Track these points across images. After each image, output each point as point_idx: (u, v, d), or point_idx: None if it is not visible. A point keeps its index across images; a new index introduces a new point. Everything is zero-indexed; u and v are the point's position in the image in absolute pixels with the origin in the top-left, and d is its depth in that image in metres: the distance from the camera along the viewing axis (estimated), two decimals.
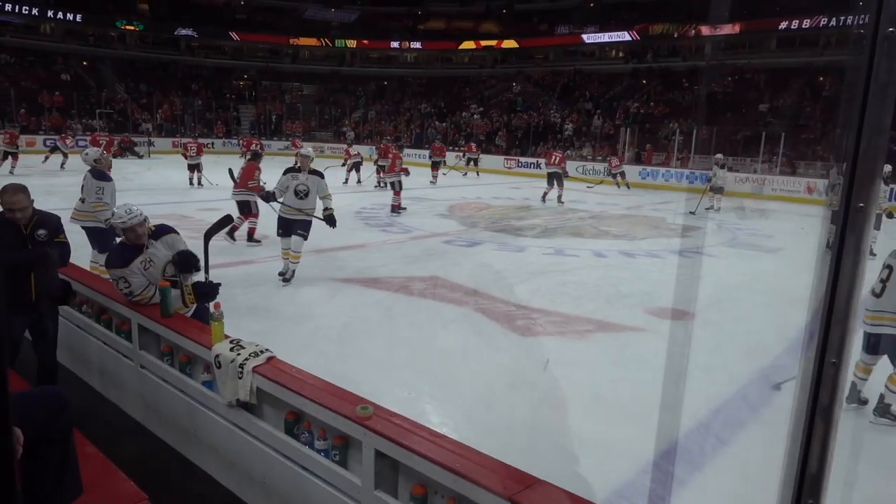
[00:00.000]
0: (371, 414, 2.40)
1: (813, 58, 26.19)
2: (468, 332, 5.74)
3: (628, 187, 20.09)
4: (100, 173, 6.30)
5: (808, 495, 1.05)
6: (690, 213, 14.92)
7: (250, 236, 9.19)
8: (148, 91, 32.42)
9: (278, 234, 7.05)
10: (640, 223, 13.07)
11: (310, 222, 6.97)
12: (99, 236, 6.19)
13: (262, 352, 2.94)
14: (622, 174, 20.48)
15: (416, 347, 5.37)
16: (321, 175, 7.06)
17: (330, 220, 7.02)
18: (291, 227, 6.89)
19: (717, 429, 4.05)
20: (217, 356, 2.97)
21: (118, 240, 4.06)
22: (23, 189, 3.37)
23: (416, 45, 39.12)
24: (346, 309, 6.33)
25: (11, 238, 3.32)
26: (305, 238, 6.95)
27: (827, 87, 24.20)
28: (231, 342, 3.05)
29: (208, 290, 3.89)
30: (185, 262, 3.83)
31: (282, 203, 6.96)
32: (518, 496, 1.92)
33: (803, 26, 26.67)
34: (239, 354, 2.90)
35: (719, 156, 15.81)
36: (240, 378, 2.84)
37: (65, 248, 3.58)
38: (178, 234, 4.00)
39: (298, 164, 7.05)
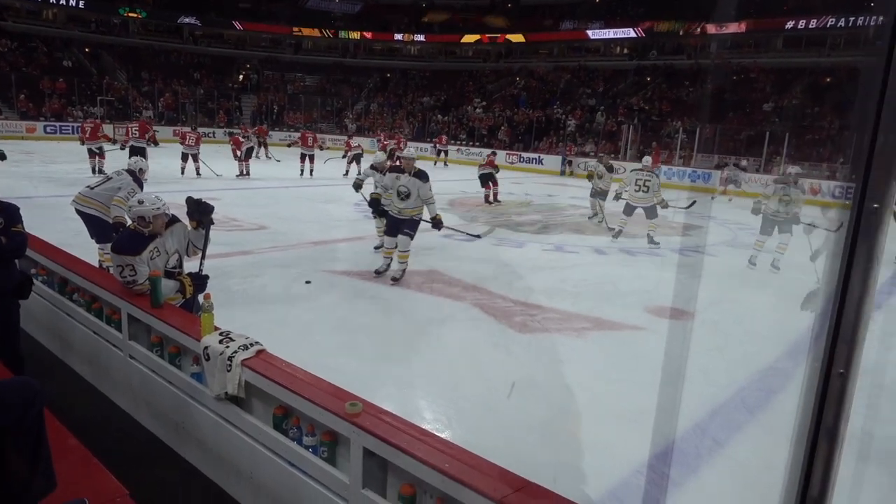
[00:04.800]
0: (360, 411, 2.35)
1: (820, 58, 26.03)
2: (465, 327, 5.69)
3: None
4: (139, 179, 6.24)
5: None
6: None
7: None
8: (150, 79, 32.27)
9: (384, 234, 7.21)
10: (641, 221, 12.98)
11: (417, 222, 6.97)
12: (100, 226, 6.11)
13: (251, 345, 2.88)
14: None
15: (412, 342, 5.32)
16: (424, 177, 6.93)
17: (436, 224, 7.06)
18: (399, 226, 6.85)
19: (714, 431, 4.00)
20: (206, 348, 2.92)
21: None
22: None
23: (420, 37, 38.93)
24: (343, 302, 6.28)
25: None
26: (412, 237, 6.89)
27: (834, 88, 24.05)
28: (220, 334, 2.99)
29: (202, 281, 3.85)
30: (199, 207, 3.92)
31: (388, 203, 7.09)
32: (507, 499, 1.86)
33: (810, 26, 26.49)
34: (228, 347, 2.85)
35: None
36: (228, 371, 2.79)
37: (20, 238, 3.37)
38: (182, 223, 4.01)
39: (402, 165, 7.03)
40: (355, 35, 39.10)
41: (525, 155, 26.22)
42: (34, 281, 4.36)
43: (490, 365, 4.92)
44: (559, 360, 5.07)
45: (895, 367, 4.71)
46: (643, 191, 9.95)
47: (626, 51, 33.83)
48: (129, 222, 3.88)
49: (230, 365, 2.79)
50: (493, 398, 4.24)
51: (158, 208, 3.73)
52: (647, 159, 10.66)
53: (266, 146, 21.40)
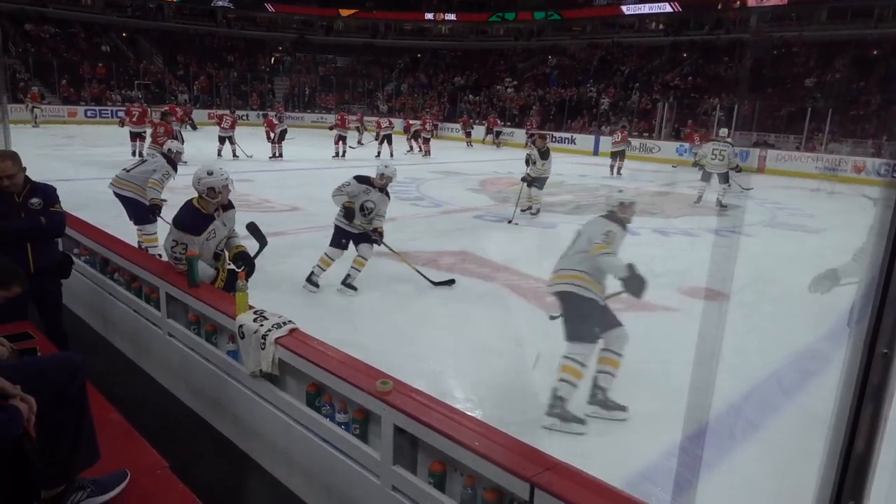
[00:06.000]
0: (391, 389, 2.37)
1: (866, 30, 24.94)
2: (496, 307, 5.68)
3: (619, 171, 16.95)
4: (172, 162, 6.37)
5: (850, 493, 0.98)
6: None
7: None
8: (184, 63, 32.70)
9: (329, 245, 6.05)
10: (675, 200, 12.75)
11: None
12: (137, 208, 6.25)
13: (284, 323, 2.93)
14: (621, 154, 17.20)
15: (444, 322, 5.34)
16: (388, 197, 5.95)
17: (378, 235, 5.95)
18: (354, 238, 5.91)
19: (749, 412, 3.94)
20: (241, 326, 2.97)
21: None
22: (11, 156, 3.28)
23: (451, 16, 38.53)
24: (376, 282, 6.32)
25: (4, 207, 3.24)
26: (376, 244, 6.07)
27: (881, 61, 23.07)
28: (255, 313, 3.04)
29: (235, 277, 3.92)
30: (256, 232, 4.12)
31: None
32: (538, 478, 1.87)
33: None
34: (262, 325, 2.90)
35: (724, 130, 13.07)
36: (262, 349, 2.84)
37: (58, 218, 3.45)
38: (234, 209, 4.15)
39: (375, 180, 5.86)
40: (386, 15, 38.88)
41: (557, 135, 25.85)
42: (76, 260, 4.50)
43: (521, 344, 4.91)
44: None
45: None
46: (719, 159, 11.57)
47: (661, 26, 32.96)
48: (164, 201, 3.99)
49: (264, 343, 2.84)
50: (523, 379, 4.24)
51: (226, 178, 3.90)
52: (724, 131, 12.60)
53: (361, 132, 21.73)
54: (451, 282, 6.24)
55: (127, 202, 6.27)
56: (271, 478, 2.93)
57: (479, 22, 38.67)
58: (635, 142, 22.09)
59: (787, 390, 4.27)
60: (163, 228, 6.37)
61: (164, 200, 6.26)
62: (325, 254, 5.86)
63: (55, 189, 3.50)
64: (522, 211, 9.97)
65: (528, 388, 4.10)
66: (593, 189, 14.06)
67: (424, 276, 6.15)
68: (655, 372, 4.38)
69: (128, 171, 6.30)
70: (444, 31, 40.07)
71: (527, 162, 10.12)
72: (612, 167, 17.13)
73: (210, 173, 3.88)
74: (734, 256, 7.90)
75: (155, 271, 3.86)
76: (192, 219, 3.84)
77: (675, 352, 4.56)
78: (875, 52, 23.78)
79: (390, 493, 2.32)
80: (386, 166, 5.90)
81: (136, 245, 6.02)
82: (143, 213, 6.17)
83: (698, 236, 9.20)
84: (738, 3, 29.29)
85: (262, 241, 4.23)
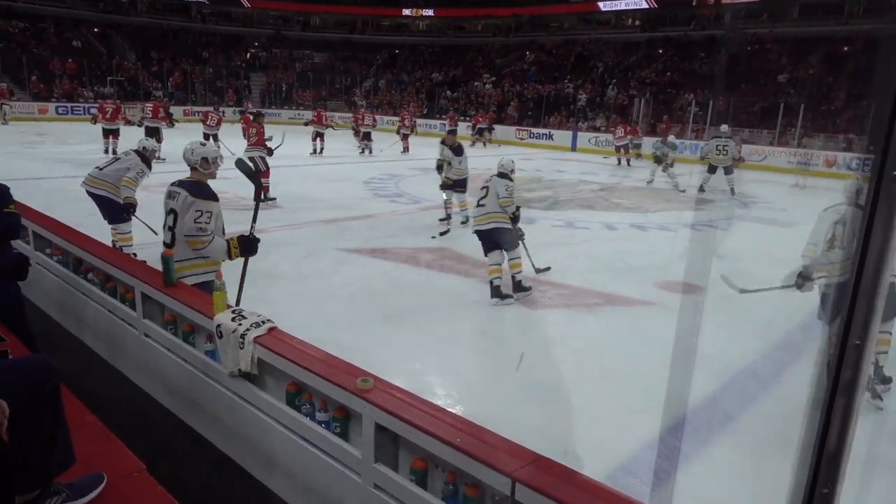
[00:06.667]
0: (372, 387, 2.36)
1: (837, 27, 25.40)
2: (475, 303, 5.69)
3: (628, 163, 18.61)
4: (147, 160, 6.25)
5: (824, 482, 0.99)
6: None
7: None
8: (159, 59, 32.19)
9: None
10: (653, 196, 12.89)
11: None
12: (110, 207, 6.14)
13: (263, 322, 2.90)
14: (637, 146, 19.65)
15: (423, 319, 5.34)
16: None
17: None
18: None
19: (726, 404, 4.00)
20: (218, 326, 2.94)
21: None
22: None
23: (429, 12, 38.44)
24: (354, 279, 6.30)
25: None
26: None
27: (851, 57, 23.50)
28: (233, 312, 3.01)
29: (251, 244, 3.80)
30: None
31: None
32: (519, 473, 1.87)
33: None
34: (240, 325, 2.87)
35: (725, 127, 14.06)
36: (241, 348, 2.81)
37: (11, 220, 3.34)
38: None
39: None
40: (363, 11, 38.65)
41: (535, 130, 25.98)
42: (48, 260, 4.40)
43: (501, 341, 4.93)
44: (570, 335, 5.07)
45: None
46: (723, 154, 12.71)
47: (637, 22, 33.23)
48: (137, 203, 3.89)
49: (243, 342, 2.81)
50: (504, 374, 4.26)
51: (217, 153, 3.89)
52: (724, 127, 13.67)
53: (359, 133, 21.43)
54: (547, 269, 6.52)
55: (100, 201, 6.16)
56: (251, 478, 2.91)
57: (456, 17, 38.62)
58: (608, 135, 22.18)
59: (762, 381, 4.35)
60: (137, 228, 6.30)
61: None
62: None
63: (8, 189, 3.37)
64: (441, 220, 8.85)
65: (510, 383, 4.12)
66: (571, 184, 14.15)
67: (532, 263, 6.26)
68: (634, 365, 4.43)
69: (101, 169, 6.18)
70: (421, 26, 39.97)
71: (439, 168, 8.98)
72: (619, 160, 18.90)
73: (203, 144, 3.94)
74: (710, 250, 8.01)
75: (130, 271, 3.80)
76: (206, 187, 3.77)
77: (654, 345, 4.62)
78: (845, 49, 24.23)
79: (372, 492, 2.31)
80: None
81: (110, 244, 5.92)
82: (116, 211, 6.07)
83: (675, 231, 9.31)
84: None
85: (256, 182, 4.03)
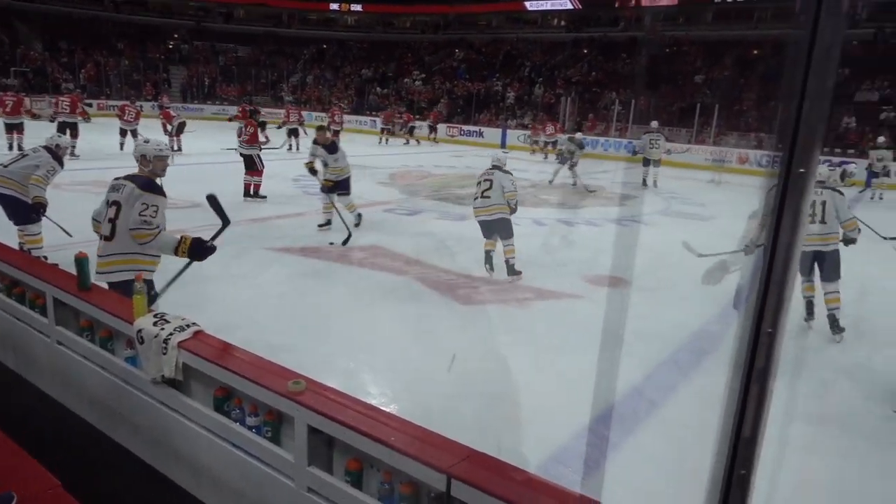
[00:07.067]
0: (303, 389, 2.31)
1: (747, 31, 26.88)
2: (409, 301, 5.69)
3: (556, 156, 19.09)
4: (58, 156, 5.86)
5: (741, 464, 1.05)
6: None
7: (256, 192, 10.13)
8: (69, 49, 30.36)
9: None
10: (579, 192, 13.25)
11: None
12: (17, 207, 5.76)
13: (187, 326, 2.79)
14: (554, 143, 19.48)
15: (355, 318, 5.28)
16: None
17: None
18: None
19: (650, 392, 4.17)
20: (139, 331, 2.80)
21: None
22: None
23: (357, 7, 38.03)
24: (283, 279, 6.17)
25: None
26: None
27: (761, 61, 24.93)
28: (155, 316, 2.88)
29: (204, 251, 3.64)
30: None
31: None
32: (454, 469, 1.88)
33: (738, 0, 27.28)
34: (163, 329, 2.74)
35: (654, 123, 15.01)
36: (164, 354, 2.69)
37: None
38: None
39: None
40: (290, 4, 37.81)
41: (465, 128, 26.19)
42: None
43: (434, 338, 4.95)
44: (502, 330, 5.15)
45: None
46: (655, 147, 13.87)
47: (563, 23, 34.04)
48: (47, 203, 3.75)
49: (166, 347, 2.69)
50: (437, 370, 4.27)
51: (161, 150, 3.80)
52: (655, 123, 14.71)
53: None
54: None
55: (5, 200, 5.76)
56: (178, 488, 2.80)
57: (385, 13, 38.39)
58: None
59: (684, 370, 4.55)
60: (48, 228, 5.93)
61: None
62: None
63: None
64: (320, 227, 8.16)
65: (445, 380, 4.14)
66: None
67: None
68: (564, 357, 4.54)
69: (6, 166, 5.77)
70: (350, 21, 39.49)
71: (311, 171, 8.17)
72: (545, 155, 19.90)
73: (147, 140, 3.90)
74: (634, 244, 8.31)
75: (40, 275, 3.56)
76: (154, 182, 3.69)
77: (582, 337, 4.75)
78: (755, 52, 25.68)
79: (306, 496, 2.27)
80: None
81: (17, 247, 5.55)
82: (24, 212, 5.69)
83: (601, 226, 9.61)
84: (634, 1, 30.74)
85: (224, 218, 3.83)
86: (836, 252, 5.21)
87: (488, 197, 6.37)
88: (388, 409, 2.53)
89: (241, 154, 10.20)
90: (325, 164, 8.05)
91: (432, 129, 24.68)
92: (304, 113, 20.31)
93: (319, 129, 8.57)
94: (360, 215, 8.40)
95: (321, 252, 7.08)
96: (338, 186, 8.08)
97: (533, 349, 4.76)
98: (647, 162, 13.96)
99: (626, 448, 3.45)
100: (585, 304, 5.80)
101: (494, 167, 6.52)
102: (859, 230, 5.30)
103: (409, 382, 4.16)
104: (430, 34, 37.33)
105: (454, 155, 19.99)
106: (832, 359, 4.84)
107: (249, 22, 38.35)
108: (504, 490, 1.80)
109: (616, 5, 31.50)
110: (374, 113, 28.27)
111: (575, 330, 5.10)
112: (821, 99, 0.87)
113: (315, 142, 8.23)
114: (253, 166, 10.10)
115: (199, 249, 3.63)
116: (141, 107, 17.35)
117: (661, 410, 3.94)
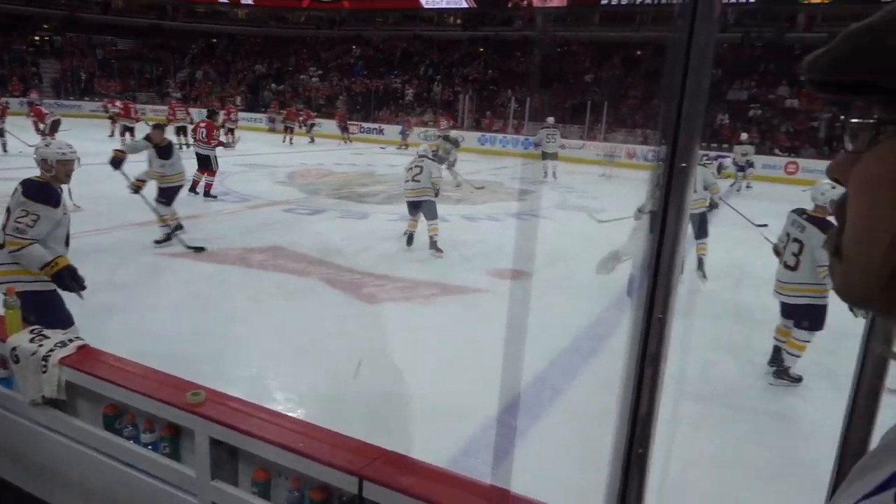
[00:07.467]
0: (203, 400, 2.20)
1: (631, 33, 28.40)
2: (313, 302, 5.57)
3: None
4: None
5: (639, 443, 1.11)
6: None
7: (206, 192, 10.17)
8: None
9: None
10: (466, 189, 13.48)
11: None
12: None
13: (70, 341, 2.58)
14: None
15: (257, 322, 5.11)
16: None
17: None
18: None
19: (553, 380, 4.32)
20: (14, 349, 2.56)
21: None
22: None
23: (248, 0, 36.66)
24: (177, 285, 5.86)
25: None
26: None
27: (644, 61, 26.44)
28: (31, 332, 2.64)
29: (72, 280, 3.39)
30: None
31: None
32: (365, 470, 1.86)
33: (622, 3, 28.75)
34: (41, 346, 2.52)
35: (551, 119, 15.80)
36: (44, 372, 2.48)
37: None
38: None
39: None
40: None
41: (365, 125, 25.96)
42: None
43: (340, 338, 4.88)
44: (409, 327, 5.15)
45: None
46: (553, 142, 15.01)
47: (458, 21, 34.49)
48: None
49: (45, 365, 2.48)
50: (344, 372, 4.21)
51: (64, 154, 3.50)
52: (551, 119, 15.71)
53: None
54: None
55: None
56: None
57: (278, 7, 37.26)
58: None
59: (584, 356, 4.76)
60: None
61: None
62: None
63: None
64: (157, 243, 7.11)
65: (352, 381, 4.09)
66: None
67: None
68: (471, 351, 4.62)
69: None
70: (240, 15, 38.01)
71: (116, 162, 6.85)
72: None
73: (48, 144, 3.62)
74: (534, 238, 8.58)
75: None
76: (53, 192, 3.38)
77: (488, 330, 4.84)
78: (638, 53, 27.21)
79: None
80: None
81: None
82: None
83: (502, 220, 9.85)
84: (526, 2, 31.67)
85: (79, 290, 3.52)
86: (704, 214, 6.63)
87: (418, 181, 7.33)
88: (294, 415, 2.46)
89: (198, 154, 10.31)
90: (150, 165, 7.28)
91: (344, 129, 23.83)
92: (192, 110, 19.31)
93: (156, 127, 7.73)
94: (180, 226, 7.36)
95: (216, 256, 6.78)
96: (163, 194, 7.29)
97: (440, 344, 4.80)
98: (545, 156, 15.01)
99: (534, 435, 3.56)
100: (490, 297, 5.92)
101: (422, 156, 7.51)
102: (720, 196, 6.82)
103: (315, 386, 4.08)
104: (325, 30, 36.64)
105: (354, 153, 19.77)
106: (715, 338, 5.22)
107: (129, 13, 35.96)
108: (416, 487, 1.80)
109: (509, 5, 32.28)
110: (267, 110, 27.40)
111: (480, 323, 5.20)
112: (698, 97, 0.94)
113: (147, 138, 7.32)
114: (208, 165, 10.21)
115: (67, 276, 3.41)
116: (7, 103, 15.85)
117: (564, 396, 4.10)
